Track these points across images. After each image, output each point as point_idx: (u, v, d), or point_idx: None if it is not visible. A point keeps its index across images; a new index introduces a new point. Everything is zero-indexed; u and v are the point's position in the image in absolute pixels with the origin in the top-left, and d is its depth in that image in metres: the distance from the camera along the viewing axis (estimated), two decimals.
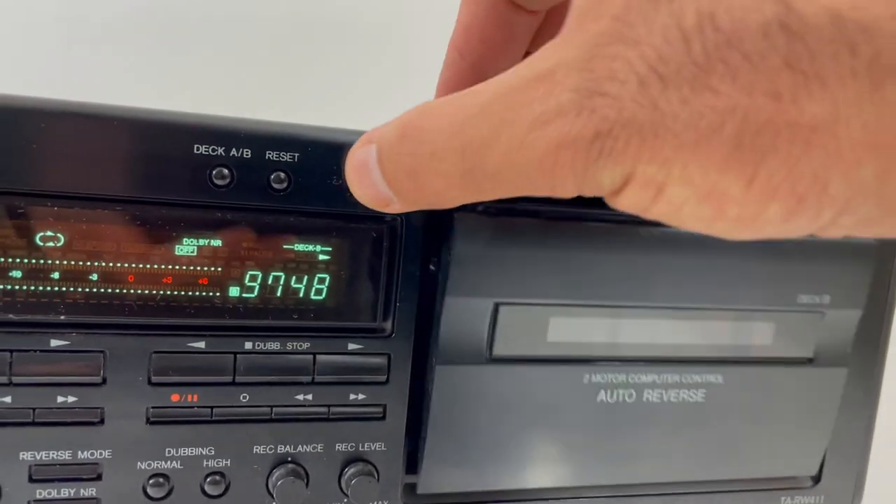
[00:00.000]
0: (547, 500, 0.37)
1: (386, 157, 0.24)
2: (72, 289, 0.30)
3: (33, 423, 0.30)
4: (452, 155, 0.21)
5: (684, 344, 0.37)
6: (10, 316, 0.29)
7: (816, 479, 0.42)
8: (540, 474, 0.36)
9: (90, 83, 0.56)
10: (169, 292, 0.31)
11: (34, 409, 0.30)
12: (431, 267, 0.34)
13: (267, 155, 0.31)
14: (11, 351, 0.29)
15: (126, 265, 0.31)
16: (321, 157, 0.32)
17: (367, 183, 0.25)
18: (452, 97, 0.22)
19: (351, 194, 0.32)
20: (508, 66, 0.29)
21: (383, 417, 0.35)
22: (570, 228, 0.34)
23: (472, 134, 0.21)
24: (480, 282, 0.33)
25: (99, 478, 0.31)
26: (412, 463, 0.36)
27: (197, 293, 0.32)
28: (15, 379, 0.30)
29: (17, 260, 0.30)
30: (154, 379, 0.31)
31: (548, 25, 0.32)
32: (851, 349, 0.39)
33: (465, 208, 0.32)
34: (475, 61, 0.31)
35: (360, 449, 0.34)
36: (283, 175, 0.31)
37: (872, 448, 0.43)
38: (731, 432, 0.38)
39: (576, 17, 0.20)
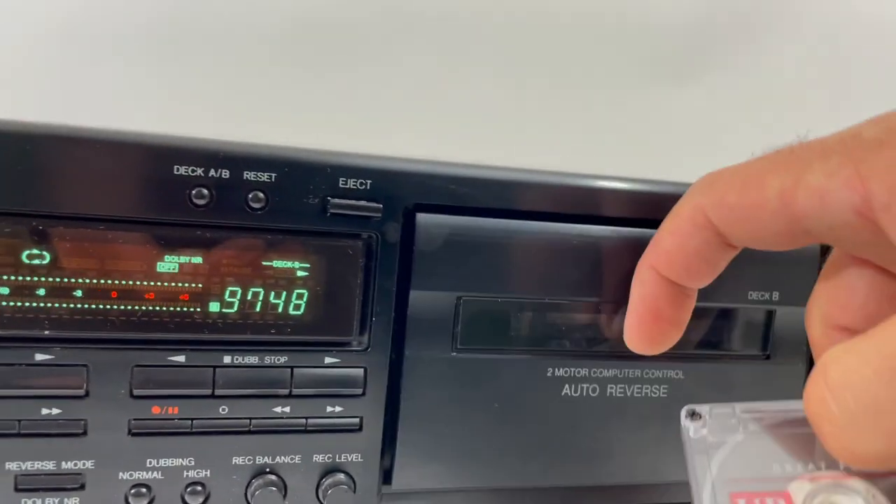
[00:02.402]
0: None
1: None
2: (56, 304, 0.31)
3: (18, 435, 0.31)
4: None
5: None
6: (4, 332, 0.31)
7: None
8: (508, 472, 0.38)
9: (92, 101, 0.58)
10: (151, 308, 0.33)
11: (20, 421, 0.31)
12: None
13: (245, 175, 0.32)
14: None
15: (109, 282, 0.32)
16: (298, 177, 0.33)
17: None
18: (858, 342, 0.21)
19: (331, 213, 0.34)
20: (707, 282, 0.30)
21: (360, 429, 0.36)
22: (528, 232, 0.36)
23: None
24: (444, 277, 0.35)
25: (82, 487, 0.32)
26: (388, 477, 0.37)
27: (178, 308, 0.33)
28: (0, 392, 0.31)
29: (4, 277, 0.31)
30: (135, 392, 0.32)
31: None
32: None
33: (426, 208, 0.35)
34: (679, 282, 0.31)
35: (338, 460, 0.35)
36: (260, 194, 0.33)
37: None
38: None
39: None
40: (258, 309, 0.34)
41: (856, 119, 0.26)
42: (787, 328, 0.41)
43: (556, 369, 0.38)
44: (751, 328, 0.41)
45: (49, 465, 0.32)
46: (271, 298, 0.34)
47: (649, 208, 0.37)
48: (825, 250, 0.41)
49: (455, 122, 0.67)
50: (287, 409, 0.34)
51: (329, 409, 0.35)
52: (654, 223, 0.35)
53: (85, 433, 0.32)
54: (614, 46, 0.74)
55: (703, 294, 0.39)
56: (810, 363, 0.42)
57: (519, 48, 0.68)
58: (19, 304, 0.31)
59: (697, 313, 0.39)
